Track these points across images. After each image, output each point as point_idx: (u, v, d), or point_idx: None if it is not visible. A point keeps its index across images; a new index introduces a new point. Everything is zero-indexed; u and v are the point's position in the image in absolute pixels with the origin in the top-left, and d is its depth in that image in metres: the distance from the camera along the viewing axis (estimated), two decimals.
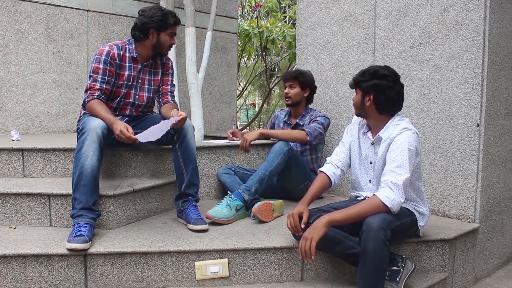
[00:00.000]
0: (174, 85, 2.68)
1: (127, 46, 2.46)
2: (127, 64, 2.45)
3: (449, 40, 2.57)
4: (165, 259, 2.02)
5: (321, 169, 2.27)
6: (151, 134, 2.20)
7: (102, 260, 1.99)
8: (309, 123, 2.93)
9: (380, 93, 2.05)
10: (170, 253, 2.02)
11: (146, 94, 2.55)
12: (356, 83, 2.13)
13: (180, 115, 2.26)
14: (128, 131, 2.17)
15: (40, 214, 2.31)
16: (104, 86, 2.37)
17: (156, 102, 2.65)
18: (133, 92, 2.50)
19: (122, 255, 2.00)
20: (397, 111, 2.11)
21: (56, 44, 3.87)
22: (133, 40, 2.48)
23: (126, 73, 2.45)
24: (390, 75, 2.06)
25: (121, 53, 2.43)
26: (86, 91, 2.37)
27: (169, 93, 2.60)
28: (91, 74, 2.37)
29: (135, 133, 2.20)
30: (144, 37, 2.43)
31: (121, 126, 2.17)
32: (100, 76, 2.36)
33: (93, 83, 2.35)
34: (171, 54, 3.71)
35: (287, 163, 2.67)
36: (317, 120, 2.89)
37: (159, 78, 2.59)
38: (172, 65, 2.66)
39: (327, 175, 2.22)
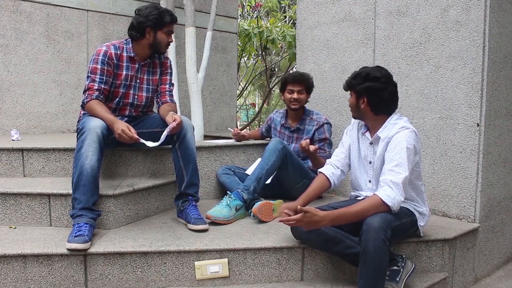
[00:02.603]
0: (173, 84, 2.68)
1: (125, 46, 2.46)
2: (125, 64, 2.45)
3: (449, 40, 2.57)
4: (165, 259, 2.02)
5: (320, 169, 2.27)
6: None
7: (102, 260, 1.99)
8: (313, 131, 2.91)
9: (373, 96, 2.05)
10: (170, 253, 2.02)
11: (145, 94, 2.55)
12: (350, 86, 2.13)
13: (175, 120, 2.26)
14: (130, 131, 2.17)
15: (40, 214, 2.31)
16: (103, 86, 2.37)
17: (155, 101, 2.65)
18: (131, 92, 2.50)
19: (122, 255, 2.00)
20: (393, 111, 2.11)
21: (56, 44, 3.87)
22: (130, 40, 2.48)
23: (124, 72, 2.45)
24: (382, 77, 2.05)
25: (119, 52, 2.43)
26: (84, 91, 2.37)
27: (168, 92, 2.60)
28: (89, 74, 2.37)
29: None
30: (141, 36, 2.43)
31: (122, 126, 2.18)
32: (98, 76, 2.36)
33: (92, 84, 2.35)
34: (171, 54, 3.71)
35: (283, 161, 2.67)
36: (327, 139, 2.89)
37: (158, 77, 2.59)
38: (170, 64, 2.66)
39: (326, 176, 2.22)
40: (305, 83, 2.95)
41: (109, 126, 2.24)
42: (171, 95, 2.62)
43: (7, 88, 3.65)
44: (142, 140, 2.25)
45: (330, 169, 2.25)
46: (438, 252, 2.26)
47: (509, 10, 2.59)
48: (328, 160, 2.31)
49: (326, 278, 2.12)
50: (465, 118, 2.52)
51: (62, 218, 2.31)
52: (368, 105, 2.07)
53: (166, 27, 2.44)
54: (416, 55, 2.71)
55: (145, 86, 2.54)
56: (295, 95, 2.94)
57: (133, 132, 2.19)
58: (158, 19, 2.40)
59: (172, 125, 2.25)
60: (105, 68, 2.37)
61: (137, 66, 2.49)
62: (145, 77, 2.54)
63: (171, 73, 2.65)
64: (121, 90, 2.46)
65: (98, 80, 2.36)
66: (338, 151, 2.30)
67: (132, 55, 2.46)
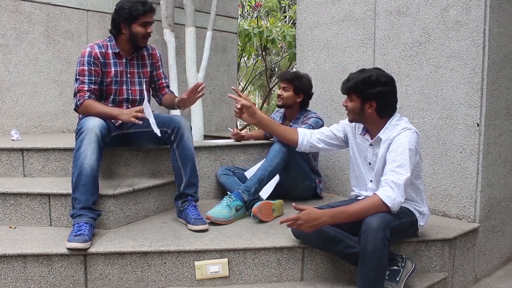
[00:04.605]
0: (167, 76, 2.72)
1: (108, 43, 2.45)
2: (112, 61, 2.44)
3: (449, 39, 2.57)
4: (165, 259, 2.02)
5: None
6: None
7: (102, 260, 1.99)
8: (301, 124, 2.91)
9: (383, 100, 2.03)
10: (170, 253, 2.02)
11: (138, 88, 2.54)
12: (353, 90, 2.06)
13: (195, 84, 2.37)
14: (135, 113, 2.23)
15: (40, 214, 2.32)
16: (93, 87, 2.36)
17: (154, 98, 2.69)
18: (125, 88, 2.49)
19: (122, 255, 2.00)
20: (394, 113, 2.11)
21: (56, 44, 3.87)
22: (113, 37, 2.48)
23: (112, 69, 2.44)
24: (390, 81, 2.04)
25: (103, 51, 2.42)
26: (75, 95, 2.36)
27: (166, 86, 2.65)
28: (77, 77, 2.36)
29: (134, 132, 2.33)
30: (118, 33, 2.42)
31: (130, 111, 2.23)
32: (87, 78, 2.35)
33: (81, 86, 2.34)
34: (171, 53, 3.72)
35: (287, 163, 2.66)
36: (307, 123, 2.84)
37: (148, 69, 2.58)
38: (160, 55, 2.65)
39: (297, 133, 2.34)
40: (292, 81, 2.92)
41: (114, 118, 2.26)
42: (168, 86, 2.68)
43: (7, 88, 3.64)
44: (153, 123, 2.25)
45: (305, 131, 2.36)
46: (438, 252, 2.26)
47: (509, 10, 2.59)
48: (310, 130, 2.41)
49: (326, 278, 2.12)
50: (465, 118, 2.52)
51: (62, 218, 2.31)
52: (376, 109, 2.04)
53: (140, 19, 2.37)
54: (416, 55, 2.71)
55: (136, 79, 2.53)
56: (279, 91, 2.98)
57: (138, 110, 2.23)
58: (129, 12, 2.35)
59: (191, 87, 2.40)
60: (92, 68, 2.37)
61: (124, 61, 2.48)
62: (135, 70, 2.53)
63: (162, 64, 2.66)
64: (114, 87, 2.45)
65: (87, 81, 2.35)
66: (325, 129, 2.36)
67: (117, 51, 2.45)
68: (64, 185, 2.35)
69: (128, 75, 2.50)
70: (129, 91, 2.51)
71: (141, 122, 2.21)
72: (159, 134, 2.25)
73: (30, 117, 3.77)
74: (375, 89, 2.01)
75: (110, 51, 2.44)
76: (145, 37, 2.43)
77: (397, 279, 1.94)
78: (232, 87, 2.59)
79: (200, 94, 2.44)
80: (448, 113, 2.59)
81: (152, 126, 2.23)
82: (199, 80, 3.67)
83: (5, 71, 3.63)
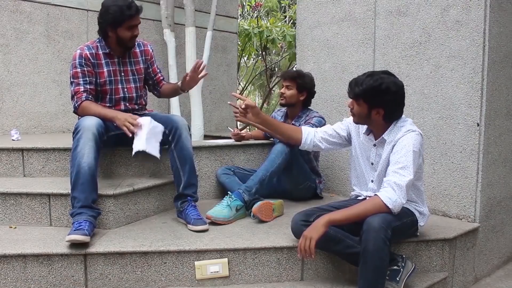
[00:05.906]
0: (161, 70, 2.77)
1: (98, 44, 2.44)
2: (104, 61, 2.44)
3: (449, 39, 2.57)
4: (165, 258, 2.02)
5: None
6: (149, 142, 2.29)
7: (102, 260, 1.99)
8: (304, 124, 2.90)
9: (392, 107, 2.01)
10: (170, 253, 2.02)
11: (133, 85, 2.53)
12: (361, 96, 2.01)
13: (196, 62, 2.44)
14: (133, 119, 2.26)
15: (40, 214, 2.32)
16: (88, 87, 2.37)
17: (152, 93, 2.73)
18: (120, 86, 2.49)
19: (122, 255, 2.00)
20: (401, 117, 2.08)
21: (56, 44, 3.87)
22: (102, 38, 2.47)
23: (105, 69, 2.43)
24: (400, 89, 2.00)
25: (94, 52, 2.41)
26: (72, 97, 2.37)
27: (162, 79, 2.70)
28: (72, 80, 2.37)
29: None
30: (106, 36, 2.41)
31: (125, 116, 2.25)
32: (81, 79, 2.36)
33: (77, 88, 2.35)
34: (171, 53, 3.72)
35: (288, 164, 2.66)
36: (311, 122, 2.83)
37: (142, 66, 2.58)
38: (152, 50, 2.64)
39: (301, 132, 2.32)
40: (295, 80, 2.91)
41: (111, 120, 2.27)
42: (164, 79, 2.73)
43: (7, 88, 3.65)
44: (135, 142, 2.26)
45: (309, 130, 2.34)
46: (438, 252, 2.26)
47: (509, 9, 2.59)
48: (314, 128, 2.38)
49: (326, 278, 2.12)
50: (465, 117, 2.52)
51: (62, 218, 2.31)
52: (383, 116, 2.02)
53: (125, 23, 2.33)
54: (416, 55, 2.71)
55: (131, 77, 2.53)
56: (282, 90, 2.98)
57: (135, 118, 2.25)
58: (113, 17, 2.31)
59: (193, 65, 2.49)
60: (85, 69, 2.37)
61: (116, 60, 2.48)
62: (129, 68, 2.52)
63: (155, 59, 2.68)
64: (109, 87, 2.45)
65: (82, 82, 2.35)
66: (329, 127, 2.33)
67: (107, 51, 2.44)
68: (64, 185, 2.34)
69: (122, 74, 2.50)
70: (125, 90, 2.50)
71: (130, 135, 2.22)
72: (157, 156, 2.31)
73: (30, 117, 3.77)
74: (385, 98, 1.98)
75: (100, 52, 2.43)
76: (132, 39, 2.41)
77: (397, 279, 1.94)
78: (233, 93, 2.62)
79: (203, 73, 2.53)
80: (448, 113, 2.59)
81: (142, 147, 2.25)
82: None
83: (5, 71, 3.63)
